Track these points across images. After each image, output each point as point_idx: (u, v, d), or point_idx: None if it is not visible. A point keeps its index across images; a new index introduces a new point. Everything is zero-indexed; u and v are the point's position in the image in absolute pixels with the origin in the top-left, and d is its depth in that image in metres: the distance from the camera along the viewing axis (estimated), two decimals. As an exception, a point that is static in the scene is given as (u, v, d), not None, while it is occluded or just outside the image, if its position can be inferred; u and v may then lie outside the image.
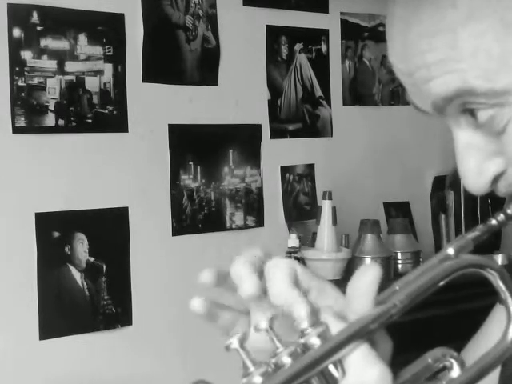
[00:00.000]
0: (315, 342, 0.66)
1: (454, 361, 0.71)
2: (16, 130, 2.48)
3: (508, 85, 0.71)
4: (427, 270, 0.70)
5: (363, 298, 0.68)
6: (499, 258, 3.22)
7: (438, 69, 0.73)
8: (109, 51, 2.68)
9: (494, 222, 0.73)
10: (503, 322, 0.72)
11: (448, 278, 0.70)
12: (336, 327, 0.67)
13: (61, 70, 2.57)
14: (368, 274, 0.69)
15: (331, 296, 0.74)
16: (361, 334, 0.66)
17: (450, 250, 0.71)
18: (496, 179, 0.77)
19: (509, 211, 0.74)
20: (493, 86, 0.71)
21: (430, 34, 0.73)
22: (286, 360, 0.66)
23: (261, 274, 0.73)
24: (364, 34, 3.43)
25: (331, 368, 0.66)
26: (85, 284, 2.62)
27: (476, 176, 0.76)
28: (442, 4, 0.72)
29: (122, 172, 2.71)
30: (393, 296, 0.68)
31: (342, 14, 3.35)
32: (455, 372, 0.70)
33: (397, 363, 0.72)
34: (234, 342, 0.68)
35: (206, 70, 2.94)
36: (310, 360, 0.65)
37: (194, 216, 2.88)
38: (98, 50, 2.66)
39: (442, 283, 0.70)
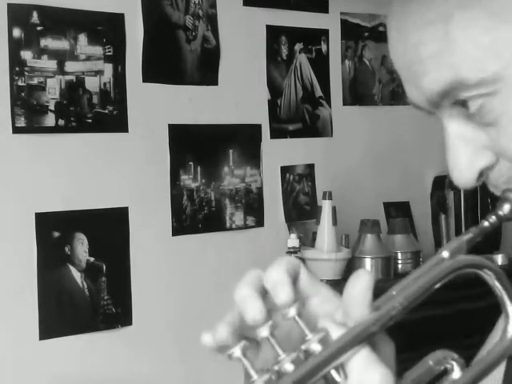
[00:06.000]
0: (316, 347, 0.66)
1: (454, 363, 0.71)
2: (16, 130, 2.48)
3: (497, 72, 0.71)
4: (423, 273, 0.70)
5: (359, 306, 0.68)
6: (499, 258, 3.21)
7: (431, 62, 0.73)
8: (109, 51, 2.68)
9: (486, 223, 0.74)
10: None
11: (445, 279, 0.70)
12: (336, 332, 0.67)
13: (61, 70, 2.57)
14: (361, 281, 0.68)
15: (334, 305, 0.73)
16: (362, 337, 0.66)
17: (445, 253, 0.72)
18: (482, 173, 0.77)
19: (500, 212, 0.74)
20: (483, 75, 0.72)
21: (422, 26, 0.73)
22: (289, 367, 0.66)
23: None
24: (364, 34, 3.43)
25: (333, 373, 0.66)
26: (85, 284, 2.62)
27: (464, 168, 0.76)
28: None
29: (122, 172, 2.71)
30: (391, 300, 0.69)
31: (342, 14, 3.35)
32: (456, 374, 0.71)
33: (396, 362, 0.72)
34: (237, 351, 0.68)
35: (206, 70, 2.94)
36: (312, 366, 0.65)
37: (194, 216, 2.88)
38: (97, 50, 2.66)
39: (439, 285, 0.70)
